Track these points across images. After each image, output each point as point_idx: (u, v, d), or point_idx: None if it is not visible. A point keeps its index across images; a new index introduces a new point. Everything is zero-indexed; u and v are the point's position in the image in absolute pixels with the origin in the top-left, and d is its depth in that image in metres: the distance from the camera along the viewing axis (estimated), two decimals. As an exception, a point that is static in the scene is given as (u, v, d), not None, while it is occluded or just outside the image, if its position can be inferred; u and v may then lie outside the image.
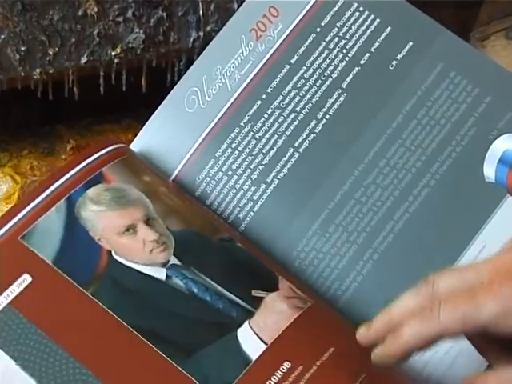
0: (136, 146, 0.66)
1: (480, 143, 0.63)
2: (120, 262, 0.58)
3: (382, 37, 0.65)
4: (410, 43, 0.65)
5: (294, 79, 0.65)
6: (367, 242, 0.61)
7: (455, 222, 0.61)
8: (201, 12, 0.74)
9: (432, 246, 0.61)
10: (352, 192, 0.62)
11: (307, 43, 0.66)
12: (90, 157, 0.61)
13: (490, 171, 0.61)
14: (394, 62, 0.65)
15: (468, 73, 0.64)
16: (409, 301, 0.50)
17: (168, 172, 0.64)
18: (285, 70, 0.65)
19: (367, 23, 0.65)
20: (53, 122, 0.81)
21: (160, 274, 0.57)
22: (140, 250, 0.58)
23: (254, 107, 0.65)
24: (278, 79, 0.65)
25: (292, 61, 0.65)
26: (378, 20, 0.65)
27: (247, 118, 0.65)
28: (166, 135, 0.65)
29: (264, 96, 0.65)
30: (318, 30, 0.66)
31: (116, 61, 0.74)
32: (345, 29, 0.66)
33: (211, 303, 0.56)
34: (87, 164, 0.61)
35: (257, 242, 0.62)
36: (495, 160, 0.62)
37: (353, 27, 0.66)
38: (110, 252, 0.58)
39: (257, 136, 0.64)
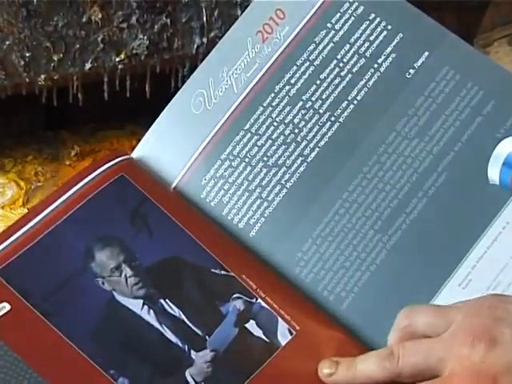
0: (143, 146, 0.66)
1: (485, 146, 0.63)
2: None
3: (391, 41, 0.65)
4: (423, 50, 0.65)
5: (300, 82, 0.65)
6: (365, 252, 0.61)
7: (458, 226, 0.61)
8: (204, 18, 0.74)
9: (433, 250, 0.61)
10: (349, 203, 0.62)
11: (312, 47, 0.65)
12: (86, 177, 0.62)
13: (494, 174, 0.61)
14: (411, 70, 0.64)
15: (473, 76, 0.64)
16: (373, 372, 0.54)
17: (174, 174, 0.64)
18: (291, 72, 0.65)
19: (372, 26, 0.65)
20: (57, 128, 0.82)
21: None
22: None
23: (259, 110, 0.65)
24: (284, 81, 0.65)
25: (298, 63, 0.65)
26: (383, 22, 0.65)
27: (252, 120, 0.64)
28: (173, 136, 0.65)
29: (269, 99, 0.65)
30: (324, 32, 0.65)
31: (120, 67, 0.74)
32: (350, 33, 0.65)
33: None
34: (81, 187, 0.61)
35: (258, 247, 0.62)
36: (500, 163, 0.62)
37: (359, 30, 0.65)
38: None
39: (261, 140, 0.64)
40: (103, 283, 0.58)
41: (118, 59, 0.74)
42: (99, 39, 0.73)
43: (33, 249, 0.59)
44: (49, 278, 0.58)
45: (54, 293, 0.58)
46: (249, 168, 0.64)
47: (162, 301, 0.59)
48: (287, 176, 0.63)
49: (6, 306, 0.57)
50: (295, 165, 0.63)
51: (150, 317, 0.58)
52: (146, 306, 0.58)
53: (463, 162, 0.62)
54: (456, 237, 0.61)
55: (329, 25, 0.66)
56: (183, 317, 0.58)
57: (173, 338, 0.57)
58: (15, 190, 0.76)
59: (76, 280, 0.58)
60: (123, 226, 0.61)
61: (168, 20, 0.74)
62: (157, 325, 0.58)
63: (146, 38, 0.74)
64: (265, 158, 0.64)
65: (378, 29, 0.66)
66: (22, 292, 0.57)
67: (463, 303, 0.54)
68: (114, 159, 0.64)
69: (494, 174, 0.61)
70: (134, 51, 0.74)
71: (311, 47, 0.65)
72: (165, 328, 0.58)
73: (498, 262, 0.60)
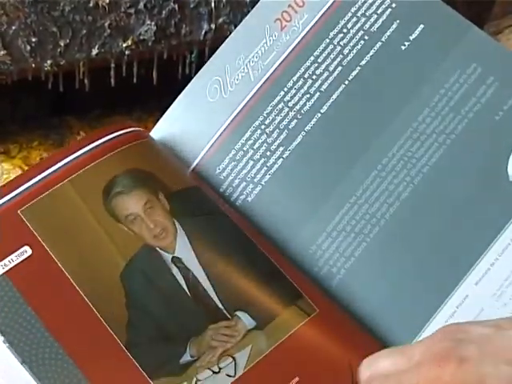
0: (156, 134, 0.65)
1: (505, 142, 0.62)
2: None
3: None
4: (441, 41, 0.64)
5: (318, 71, 0.64)
6: (377, 241, 0.60)
7: (475, 224, 0.60)
8: (213, 4, 0.74)
9: (449, 248, 0.60)
10: (363, 199, 0.61)
11: (331, 35, 0.65)
12: (107, 135, 0.61)
13: None
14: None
15: (495, 71, 0.63)
16: None
17: (188, 161, 0.64)
18: (309, 62, 0.64)
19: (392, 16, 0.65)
20: (63, 114, 0.81)
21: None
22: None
23: (277, 98, 0.64)
24: (301, 70, 0.64)
25: (316, 53, 0.65)
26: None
27: (270, 108, 0.64)
28: (187, 124, 0.65)
29: (286, 88, 0.64)
30: (343, 22, 0.65)
31: (127, 53, 0.74)
32: (370, 22, 0.65)
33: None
34: (104, 142, 0.60)
35: (272, 232, 0.62)
36: None
37: (379, 20, 0.65)
38: None
39: (279, 128, 0.63)
40: None
41: (125, 45, 0.73)
42: (106, 25, 0.72)
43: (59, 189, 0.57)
44: None
45: None
46: (263, 159, 0.63)
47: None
48: (304, 166, 0.63)
49: (28, 251, 0.54)
50: (312, 155, 0.63)
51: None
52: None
53: (483, 159, 0.62)
54: (474, 234, 0.60)
55: (348, 14, 0.65)
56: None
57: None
58: (21, 177, 0.75)
59: None
60: None
61: (176, 6, 0.73)
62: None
63: (153, 23, 0.73)
64: (281, 148, 0.63)
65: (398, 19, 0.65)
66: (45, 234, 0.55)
67: (421, 339, 0.54)
68: (135, 126, 0.63)
69: None
70: (142, 37, 0.74)
71: (328, 38, 0.65)
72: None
73: None
